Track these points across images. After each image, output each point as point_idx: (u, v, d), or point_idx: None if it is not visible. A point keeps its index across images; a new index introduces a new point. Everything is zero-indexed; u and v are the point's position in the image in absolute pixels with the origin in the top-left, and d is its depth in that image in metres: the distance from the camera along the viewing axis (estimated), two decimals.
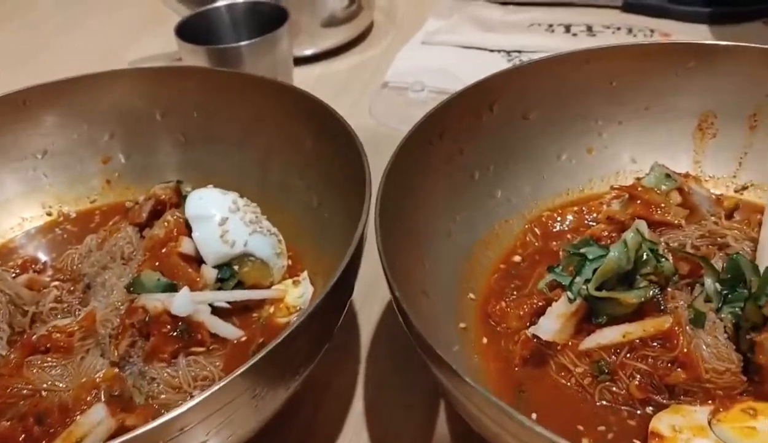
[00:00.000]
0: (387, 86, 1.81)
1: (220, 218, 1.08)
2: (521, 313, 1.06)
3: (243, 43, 1.54)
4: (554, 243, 1.20)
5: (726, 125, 1.25)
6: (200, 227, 1.08)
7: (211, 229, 1.08)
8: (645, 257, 0.96)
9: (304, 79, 1.90)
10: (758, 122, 1.23)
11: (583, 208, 1.25)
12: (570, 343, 0.99)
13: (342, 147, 1.07)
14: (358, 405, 1.07)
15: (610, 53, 1.24)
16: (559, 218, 1.24)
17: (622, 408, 0.95)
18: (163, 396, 0.97)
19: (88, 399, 0.86)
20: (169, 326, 0.99)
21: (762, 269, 0.98)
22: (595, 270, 0.97)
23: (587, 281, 0.97)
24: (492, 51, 1.89)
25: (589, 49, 1.24)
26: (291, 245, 1.18)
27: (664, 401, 0.94)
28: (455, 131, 1.15)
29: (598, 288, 0.96)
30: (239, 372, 0.72)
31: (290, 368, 0.81)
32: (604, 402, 0.96)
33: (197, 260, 1.09)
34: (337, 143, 1.09)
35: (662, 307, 0.97)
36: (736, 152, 1.26)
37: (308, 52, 1.99)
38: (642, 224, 1.04)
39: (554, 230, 1.23)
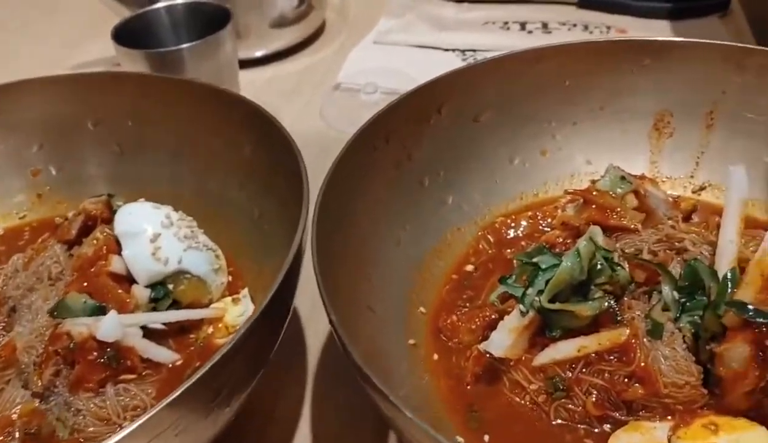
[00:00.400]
0: (339, 88, 1.76)
1: (151, 234, 1.02)
2: (473, 327, 1.01)
3: (184, 46, 1.46)
4: (508, 250, 1.15)
5: (682, 124, 1.22)
6: (130, 244, 1.01)
7: (142, 246, 1.01)
8: (599, 266, 0.92)
9: (252, 81, 1.83)
10: (715, 119, 1.19)
11: (538, 213, 1.20)
12: (524, 358, 0.94)
13: (281, 154, 1.01)
14: (304, 430, 1.00)
15: (562, 51, 1.19)
16: (513, 224, 1.19)
17: (579, 426, 0.90)
18: (90, 429, 0.90)
19: (1, 439, 0.79)
20: (95, 353, 0.92)
21: (721, 275, 0.94)
22: (548, 281, 0.92)
23: (540, 292, 0.92)
24: (446, 50, 1.84)
25: (540, 48, 1.19)
26: (231, 260, 1.12)
27: (622, 417, 0.89)
28: (402, 135, 1.09)
29: (552, 300, 0.91)
30: (162, 404, 0.66)
31: (220, 397, 0.75)
32: (560, 421, 0.91)
33: (128, 280, 1.02)
34: (276, 150, 1.03)
35: (619, 318, 0.92)
36: (693, 152, 1.22)
37: (258, 53, 1.92)
38: (596, 231, 0.99)
39: (508, 236, 1.18)
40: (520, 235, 1.18)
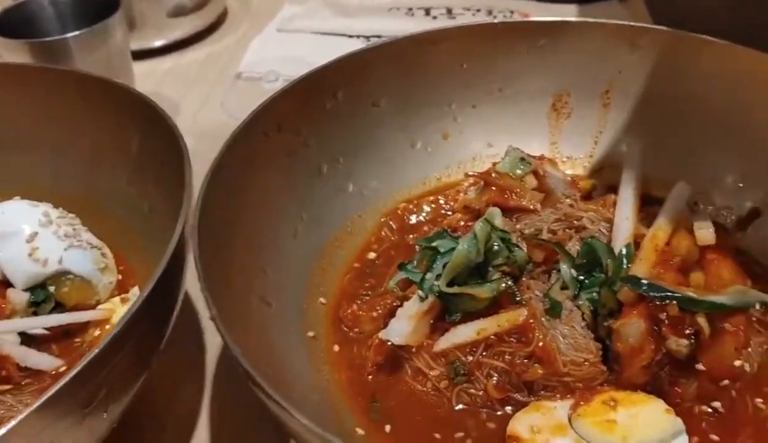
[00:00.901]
0: (240, 77, 1.70)
1: (28, 234, 0.95)
2: (375, 315, 0.98)
3: (68, 35, 1.38)
4: (411, 236, 1.13)
5: (580, 104, 1.22)
6: (4, 245, 0.94)
7: (17, 247, 0.94)
8: (496, 247, 0.90)
9: (150, 73, 1.76)
10: (611, 99, 1.20)
11: (440, 197, 1.18)
12: (425, 344, 0.92)
13: (169, 146, 0.96)
14: (202, 435, 0.96)
15: (458, 34, 1.18)
16: (415, 210, 1.17)
17: (481, 410, 0.89)
18: None
19: None
20: None
21: (617, 252, 0.94)
22: (446, 265, 0.90)
23: (439, 277, 0.90)
24: (350, 37, 1.81)
25: (435, 30, 1.17)
26: (121, 258, 1.06)
27: (524, 399, 0.88)
28: (296, 122, 1.05)
29: (450, 284, 0.89)
30: (27, 412, 0.61)
31: (96, 401, 0.70)
32: (462, 406, 0.89)
33: (5, 283, 0.95)
34: (163, 142, 0.97)
35: (518, 298, 0.91)
36: (591, 132, 1.23)
37: (157, 43, 1.84)
38: (495, 213, 0.98)
39: (411, 222, 1.16)
40: (423, 220, 1.16)
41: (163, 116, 0.97)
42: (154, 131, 1.01)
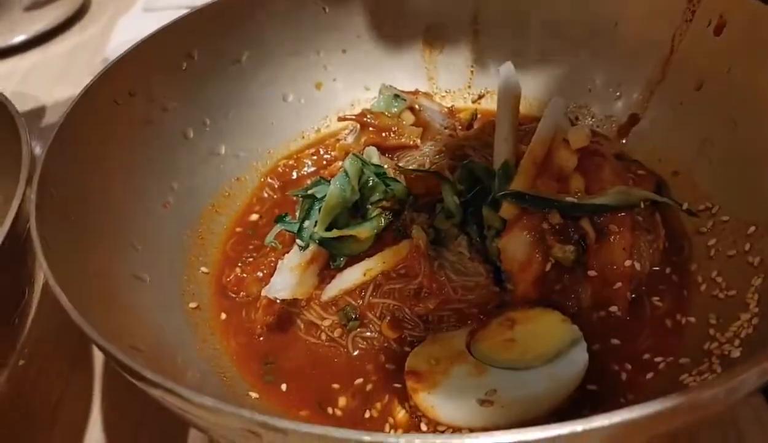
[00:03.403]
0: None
1: None
2: (260, 275, 0.93)
3: None
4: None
5: (451, 35, 1.19)
6: None
7: None
8: (371, 183, 0.86)
9: (11, 72, 1.65)
10: (480, 25, 1.17)
11: (321, 148, 1.13)
12: (314, 295, 0.87)
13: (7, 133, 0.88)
14: (94, 433, 0.89)
15: None
16: (296, 165, 1.12)
17: (379, 352, 0.85)
18: None
19: None
20: None
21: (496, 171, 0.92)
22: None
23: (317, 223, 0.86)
24: None
25: None
26: None
27: (421, 334, 0.85)
28: (150, 86, 0.99)
29: (329, 228, 0.85)
30: None
31: None
32: (359, 351, 0.85)
33: None
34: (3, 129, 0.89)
35: (402, 233, 0.87)
36: (466, 62, 1.20)
37: (16, 40, 1.73)
38: (371, 151, 0.95)
39: (293, 178, 1.11)
40: (306, 174, 1.11)
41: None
42: None
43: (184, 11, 1.71)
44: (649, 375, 0.80)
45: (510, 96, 1.03)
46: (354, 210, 0.87)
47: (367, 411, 0.80)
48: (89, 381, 0.95)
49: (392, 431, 0.78)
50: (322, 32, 1.14)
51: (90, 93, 0.89)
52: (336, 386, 0.82)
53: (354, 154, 0.86)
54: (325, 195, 0.87)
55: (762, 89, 0.91)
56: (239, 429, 0.53)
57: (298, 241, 0.86)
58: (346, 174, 0.84)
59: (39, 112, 1.54)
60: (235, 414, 0.51)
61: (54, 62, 1.73)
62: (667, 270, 0.91)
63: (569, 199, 0.83)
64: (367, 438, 0.47)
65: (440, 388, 0.76)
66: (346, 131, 1.13)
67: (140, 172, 0.94)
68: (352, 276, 0.85)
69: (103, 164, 0.89)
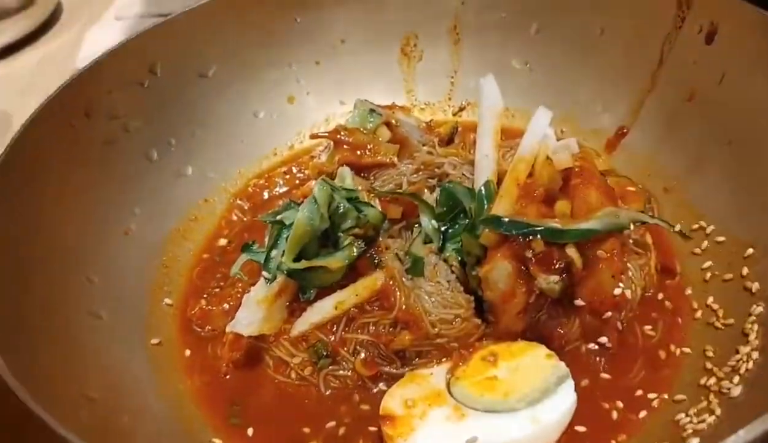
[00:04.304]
0: None
1: None
2: (226, 307, 0.87)
3: None
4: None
5: (430, 45, 1.13)
6: None
7: None
8: (341, 209, 0.80)
9: None
10: (460, 34, 1.12)
11: (294, 167, 1.08)
12: (284, 330, 0.82)
13: None
14: None
15: None
16: (267, 185, 1.06)
17: (353, 392, 0.80)
18: None
19: None
20: None
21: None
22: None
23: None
24: None
25: None
26: None
27: (397, 371, 0.79)
28: (109, 105, 0.93)
29: (297, 259, 0.78)
30: None
31: None
32: (332, 391, 0.80)
33: None
34: None
35: (377, 261, 0.82)
36: (446, 72, 1.15)
37: None
38: (344, 173, 0.88)
39: (264, 199, 1.05)
40: (277, 194, 1.05)
41: None
42: None
43: (156, 19, 1.67)
44: (643, 414, 0.74)
45: (491, 109, 0.98)
46: (324, 239, 0.81)
47: None
48: None
49: None
50: (295, 44, 1.08)
51: (40, 115, 0.83)
52: (306, 430, 0.77)
53: (323, 179, 0.80)
54: (293, 222, 0.81)
55: (757, 99, 0.86)
56: None
57: (264, 273, 0.80)
58: (315, 201, 0.78)
59: (5, 125, 1.47)
60: None
61: (22, 73, 1.66)
62: (660, 296, 0.85)
63: (553, 224, 0.77)
64: None
65: (417, 435, 0.70)
66: (320, 148, 1.07)
67: (99, 197, 0.89)
68: (323, 310, 0.79)
69: (56, 190, 0.83)
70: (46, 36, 1.79)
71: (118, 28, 1.71)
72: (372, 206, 0.84)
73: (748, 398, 0.68)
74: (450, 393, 0.75)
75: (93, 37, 1.67)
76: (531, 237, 0.76)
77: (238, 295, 0.86)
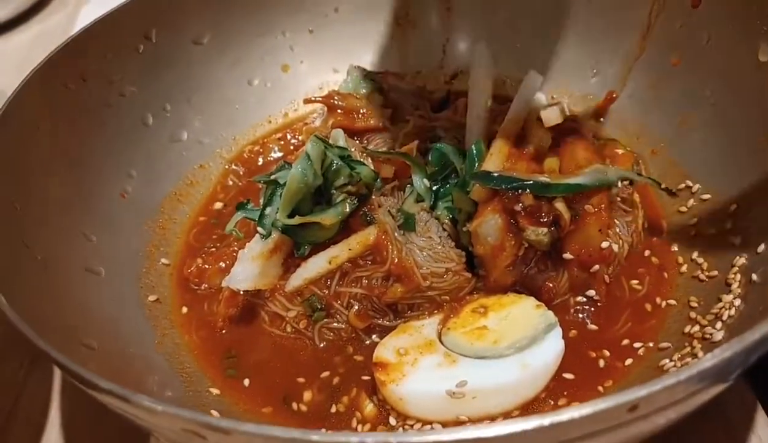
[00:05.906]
0: None
1: None
2: (222, 266, 0.89)
3: None
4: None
5: (422, 13, 1.15)
6: None
7: None
8: (335, 166, 0.82)
9: None
10: (452, 2, 1.13)
11: (288, 133, 1.09)
12: (279, 286, 0.83)
13: None
14: (53, 433, 0.84)
15: None
16: (262, 151, 1.07)
17: (347, 344, 0.81)
18: None
19: None
20: None
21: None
22: None
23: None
24: None
25: None
26: None
27: (390, 323, 0.81)
28: (105, 70, 0.94)
29: (292, 215, 0.80)
30: None
31: None
32: (326, 343, 0.82)
33: None
34: None
35: (369, 218, 0.83)
36: (439, 40, 1.16)
37: None
38: (337, 134, 0.90)
39: (259, 164, 1.06)
40: (272, 159, 1.07)
41: None
42: None
43: None
44: (629, 362, 0.76)
45: (483, 73, 0.99)
46: (318, 196, 0.83)
47: (334, 405, 0.76)
48: (48, 379, 0.90)
49: (359, 426, 0.74)
50: (288, 11, 1.10)
51: (36, 77, 0.84)
52: (301, 380, 0.79)
53: (316, 136, 0.82)
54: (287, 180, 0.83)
55: (741, 62, 0.88)
56: (181, 430, 0.49)
57: (259, 229, 0.82)
58: (308, 158, 0.80)
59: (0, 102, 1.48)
60: (175, 415, 0.47)
61: (17, 51, 1.67)
62: (647, 253, 0.87)
63: (542, 179, 0.79)
64: (315, 437, 0.44)
65: (409, 380, 0.72)
66: (314, 115, 1.09)
67: (95, 159, 0.90)
68: (317, 265, 0.81)
69: (52, 149, 0.84)
70: (42, 13, 1.79)
71: (113, 5, 1.71)
72: (364, 164, 0.85)
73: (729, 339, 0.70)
74: (441, 342, 0.77)
75: (88, 14, 1.67)
76: (520, 191, 0.78)
77: (234, 254, 0.88)
